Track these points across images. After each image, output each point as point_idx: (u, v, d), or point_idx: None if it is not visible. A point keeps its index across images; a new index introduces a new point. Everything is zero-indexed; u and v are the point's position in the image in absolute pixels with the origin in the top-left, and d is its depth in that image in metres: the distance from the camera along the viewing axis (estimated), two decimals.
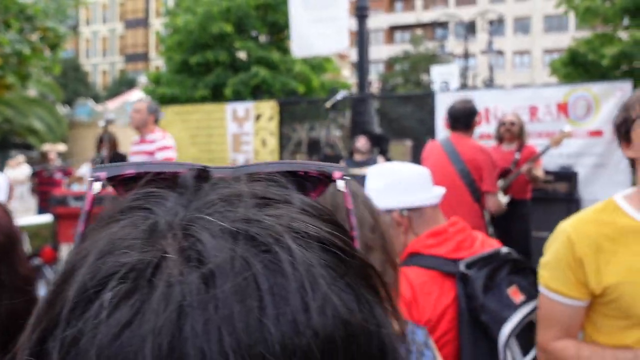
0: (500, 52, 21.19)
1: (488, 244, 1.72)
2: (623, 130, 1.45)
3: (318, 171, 0.40)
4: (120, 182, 0.38)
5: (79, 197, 6.99)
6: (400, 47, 41.63)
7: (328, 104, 3.21)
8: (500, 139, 5.16)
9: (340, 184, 0.40)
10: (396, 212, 1.75)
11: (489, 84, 16.85)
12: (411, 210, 1.74)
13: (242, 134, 8.51)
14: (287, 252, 0.29)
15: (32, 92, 21.85)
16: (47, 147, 10.44)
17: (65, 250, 7.58)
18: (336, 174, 0.40)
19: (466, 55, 19.87)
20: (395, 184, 1.76)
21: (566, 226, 1.52)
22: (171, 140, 4.87)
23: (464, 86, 13.93)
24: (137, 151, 4.79)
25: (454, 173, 3.90)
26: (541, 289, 1.54)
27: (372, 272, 0.34)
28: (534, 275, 1.67)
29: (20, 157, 12.35)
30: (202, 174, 0.36)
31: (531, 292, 1.62)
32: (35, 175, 9.03)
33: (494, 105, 6.88)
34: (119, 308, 0.27)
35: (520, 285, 1.64)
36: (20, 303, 1.02)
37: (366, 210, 1.15)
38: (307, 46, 8.24)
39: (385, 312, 0.33)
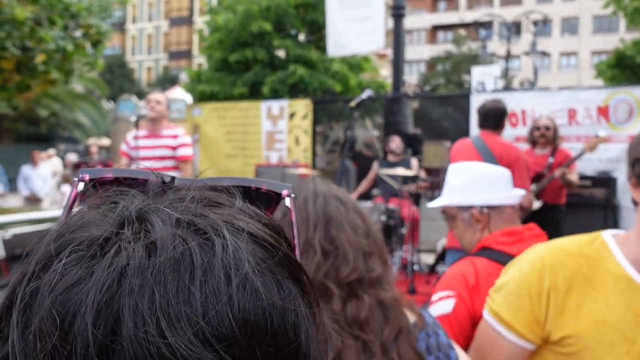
0: (545, 54, 20.64)
1: None
2: (638, 170, 1.21)
3: (268, 189, 0.44)
4: (100, 184, 0.43)
5: None
6: (443, 47, 41.09)
7: (353, 103, 3.20)
8: (533, 142, 5.04)
9: (287, 201, 0.45)
10: (476, 209, 1.77)
11: (529, 85, 16.43)
12: (491, 208, 1.77)
13: (276, 131, 8.56)
14: (220, 238, 0.34)
15: (78, 87, 22.52)
16: (91, 141, 10.76)
17: None
18: (284, 192, 0.45)
19: (509, 56, 19.47)
20: (477, 182, 1.79)
21: (541, 249, 1.29)
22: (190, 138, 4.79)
23: (505, 88, 13.65)
24: (151, 145, 4.50)
25: None
26: (486, 315, 1.31)
27: (298, 269, 0.38)
28: None
29: (51, 150, 12.70)
30: (169, 182, 0.42)
31: None
32: (77, 167, 9.32)
33: (531, 108, 6.72)
34: (73, 268, 0.33)
35: None
36: None
37: (358, 218, 1.13)
38: (342, 45, 8.23)
39: (307, 304, 0.37)
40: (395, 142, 6.81)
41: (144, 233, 0.34)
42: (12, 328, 0.33)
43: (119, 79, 38.00)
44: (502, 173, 1.85)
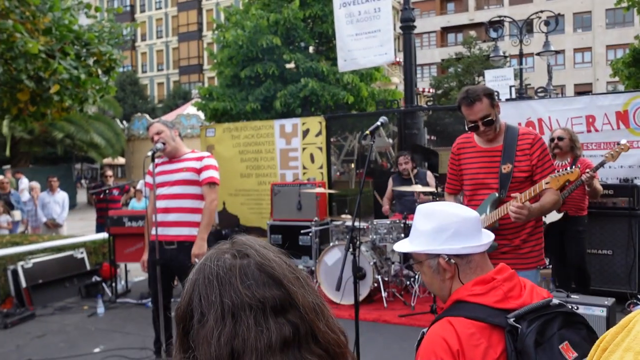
0: (558, 52, 20.43)
1: (537, 293, 1.63)
2: None
3: None
4: None
5: (133, 218, 7.18)
6: (454, 48, 40.89)
7: (368, 131, 3.10)
8: (553, 155, 4.98)
9: None
10: (443, 258, 1.68)
11: (546, 89, 16.20)
12: (459, 256, 1.67)
13: (290, 149, 8.54)
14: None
15: (92, 108, 22.79)
16: (106, 161, 10.80)
17: (123, 268, 7.79)
18: None
19: (521, 56, 19.25)
20: (445, 229, 1.68)
21: None
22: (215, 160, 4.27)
23: (520, 96, 13.47)
24: (170, 170, 4.10)
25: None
26: None
27: None
28: (587, 328, 1.56)
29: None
30: None
31: (584, 349, 1.50)
32: (94, 194, 9.36)
33: (548, 116, 6.61)
34: None
35: (572, 341, 1.52)
36: None
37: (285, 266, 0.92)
38: (353, 60, 8.19)
39: None
40: (402, 165, 6.75)
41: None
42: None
43: (131, 97, 38.34)
44: (472, 219, 1.72)
